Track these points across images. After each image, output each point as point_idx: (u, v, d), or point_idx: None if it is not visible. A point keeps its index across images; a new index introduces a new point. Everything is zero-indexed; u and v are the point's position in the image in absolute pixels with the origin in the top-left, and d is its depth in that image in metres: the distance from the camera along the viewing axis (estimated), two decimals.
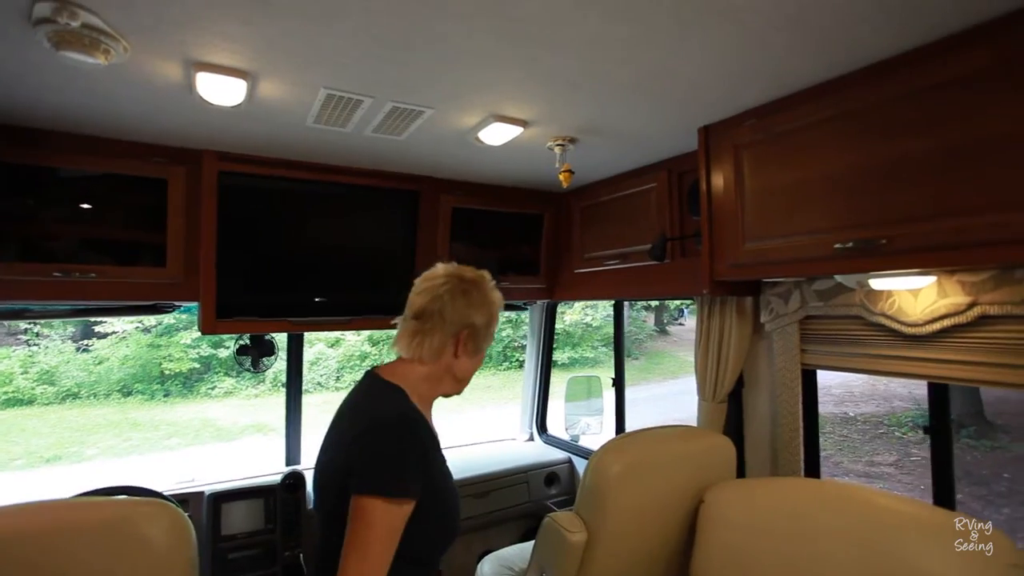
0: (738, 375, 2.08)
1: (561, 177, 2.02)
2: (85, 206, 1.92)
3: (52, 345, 9.94)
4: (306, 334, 2.93)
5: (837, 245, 1.43)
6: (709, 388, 2.11)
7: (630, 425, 2.72)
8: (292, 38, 1.22)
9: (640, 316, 15.04)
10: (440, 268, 1.25)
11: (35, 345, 9.82)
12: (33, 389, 9.32)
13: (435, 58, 1.32)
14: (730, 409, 2.12)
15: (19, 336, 9.89)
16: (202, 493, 2.13)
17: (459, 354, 1.20)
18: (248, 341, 2.45)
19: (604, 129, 1.88)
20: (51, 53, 1.18)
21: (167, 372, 10.28)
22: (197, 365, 10.51)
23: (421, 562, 1.12)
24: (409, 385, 1.17)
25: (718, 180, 1.80)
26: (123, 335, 10.28)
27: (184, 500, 2.07)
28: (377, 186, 2.38)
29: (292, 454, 2.77)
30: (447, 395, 1.26)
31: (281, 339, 2.64)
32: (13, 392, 9.15)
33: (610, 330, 13.44)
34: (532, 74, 1.42)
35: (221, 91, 1.42)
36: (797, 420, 1.87)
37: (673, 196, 2.22)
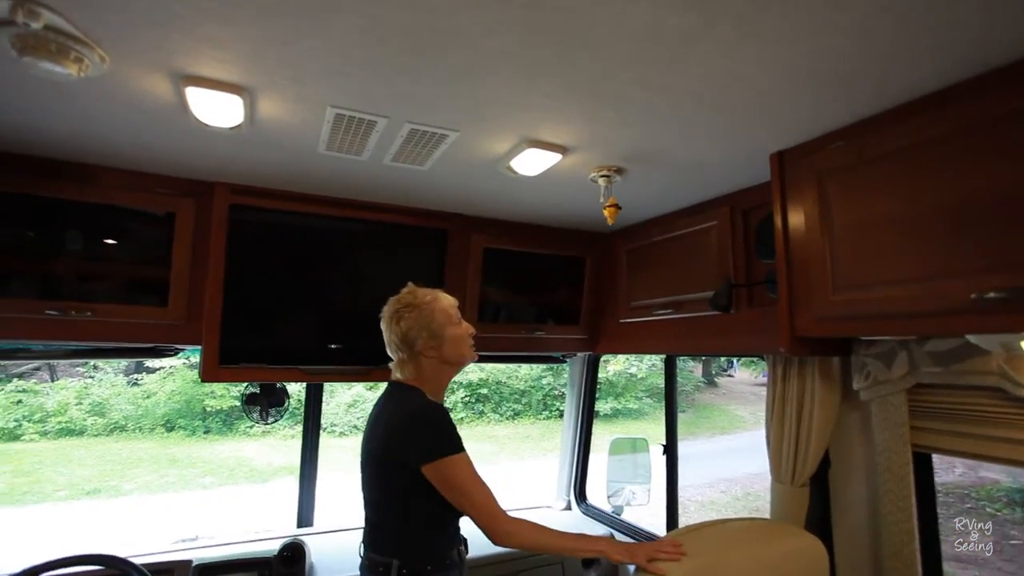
0: (823, 453, 1.68)
1: (606, 213, 1.76)
2: (84, 240, 1.79)
3: (106, 378, 10.28)
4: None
5: (975, 295, 1.08)
6: (786, 468, 1.72)
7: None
8: (283, 43, 1.03)
9: (687, 366, 14.27)
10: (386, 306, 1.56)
11: (90, 377, 10.17)
12: (84, 420, 9.59)
13: (451, 65, 1.10)
14: (813, 495, 1.71)
15: (78, 368, 10.30)
16: (189, 563, 1.87)
17: (431, 355, 1.50)
18: (258, 389, 2.24)
19: (656, 157, 1.62)
20: (25, 66, 1.04)
21: (209, 409, 10.39)
22: (237, 403, 10.58)
23: (446, 529, 1.46)
24: (423, 386, 1.50)
25: (797, 215, 1.49)
26: (171, 370, 10.53)
27: (167, 571, 1.83)
28: (401, 223, 2.18)
29: (304, 514, 2.50)
30: (456, 371, 1.58)
31: (297, 387, 2.43)
32: (67, 422, 9.44)
33: (655, 380, 12.90)
34: (570, 84, 1.18)
35: (216, 110, 1.25)
36: (910, 519, 1.46)
37: (737, 236, 1.90)
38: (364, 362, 2.13)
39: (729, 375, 16.32)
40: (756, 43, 1.02)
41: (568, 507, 3.00)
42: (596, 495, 3.01)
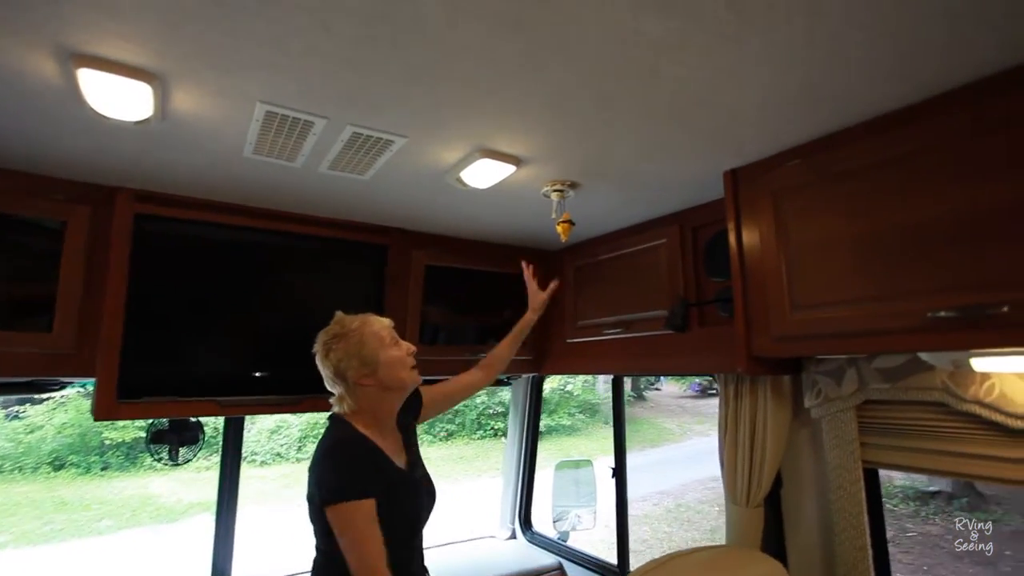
0: (776, 472, 1.68)
1: (560, 229, 1.69)
2: None
3: None
4: None
5: (929, 313, 1.10)
6: (741, 488, 1.70)
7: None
8: (206, 21, 0.87)
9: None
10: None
11: None
12: None
13: (406, 60, 0.99)
14: (767, 516, 1.70)
15: None
16: None
17: (367, 383, 1.38)
18: (166, 425, 1.96)
19: (611, 172, 1.57)
20: None
21: (108, 442, 9.30)
22: (143, 434, 9.56)
23: (403, 542, 1.33)
24: (360, 417, 1.39)
25: (752, 234, 1.49)
26: (61, 400, 9.35)
27: None
28: (336, 238, 2.01)
29: (221, 565, 2.20)
30: (401, 397, 1.46)
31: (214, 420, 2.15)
32: None
33: (587, 396, 13.04)
34: (535, 91, 1.10)
35: (118, 99, 1.06)
36: (863, 534, 1.47)
37: (687, 254, 1.90)
38: (293, 391, 1.92)
39: (656, 389, 16.87)
40: (732, 55, 0.98)
41: (513, 535, 2.87)
42: (540, 519, 2.91)
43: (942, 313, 1.09)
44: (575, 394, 12.75)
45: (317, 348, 1.44)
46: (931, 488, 7.16)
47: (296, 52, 0.95)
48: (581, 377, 12.41)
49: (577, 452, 10.76)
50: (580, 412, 12.92)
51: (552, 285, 2.00)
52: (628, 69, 1.02)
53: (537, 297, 1.97)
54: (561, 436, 12.00)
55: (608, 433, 12.58)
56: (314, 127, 1.24)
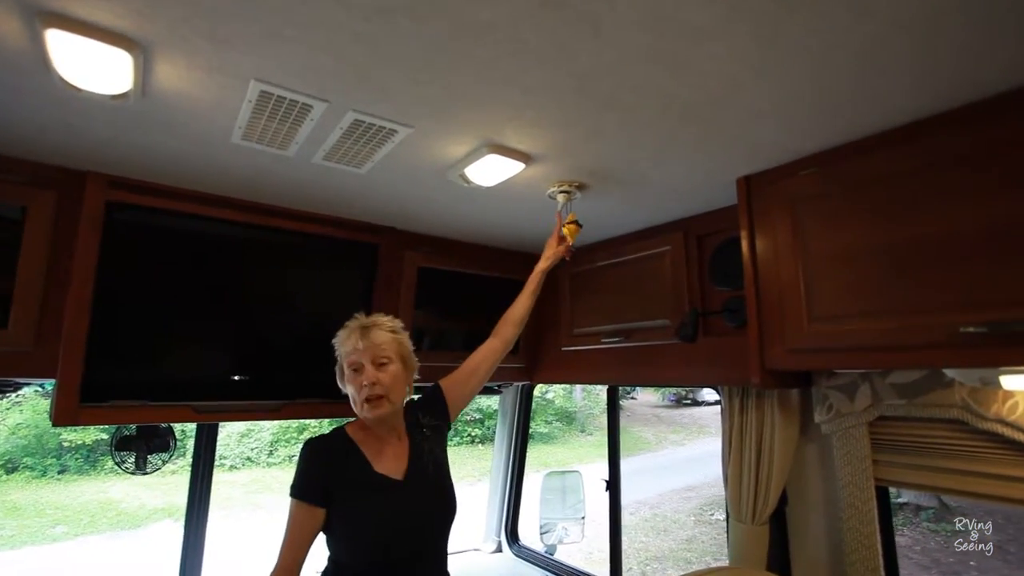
0: (782, 488, 1.62)
1: (566, 231, 1.61)
2: None
3: None
4: None
5: (961, 328, 1.05)
6: (747, 506, 1.64)
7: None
8: None
9: (594, 390, 14.59)
10: None
11: None
12: None
13: (424, 37, 0.90)
14: (772, 534, 1.64)
15: None
16: None
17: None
18: (134, 431, 1.81)
19: (622, 174, 1.50)
20: None
21: (67, 443, 8.86)
22: (105, 435, 9.13)
23: (378, 550, 1.26)
24: (356, 420, 1.41)
25: (767, 243, 1.43)
26: (16, 399, 8.88)
27: None
28: (324, 235, 1.89)
29: None
30: (367, 416, 1.34)
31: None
32: None
33: (564, 404, 12.97)
34: (556, 81, 1.02)
35: (92, 68, 0.94)
36: (876, 556, 1.42)
37: (692, 263, 1.84)
38: (275, 396, 1.79)
39: (632, 398, 16.94)
40: (767, 49, 0.92)
41: (499, 548, 2.77)
42: (526, 531, 2.82)
43: (971, 328, 1.04)
44: (555, 402, 12.69)
45: None
46: (900, 499, 7.29)
47: (302, 22, 0.86)
48: (561, 386, 12.37)
49: (555, 461, 10.69)
50: (557, 420, 12.86)
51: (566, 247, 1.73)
52: (658, 58, 0.95)
53: (551, 247, 1.71)
54: (537, 443, 11.91)
55: (584, 442, 12.61)
56: (312, 111, 1.14)
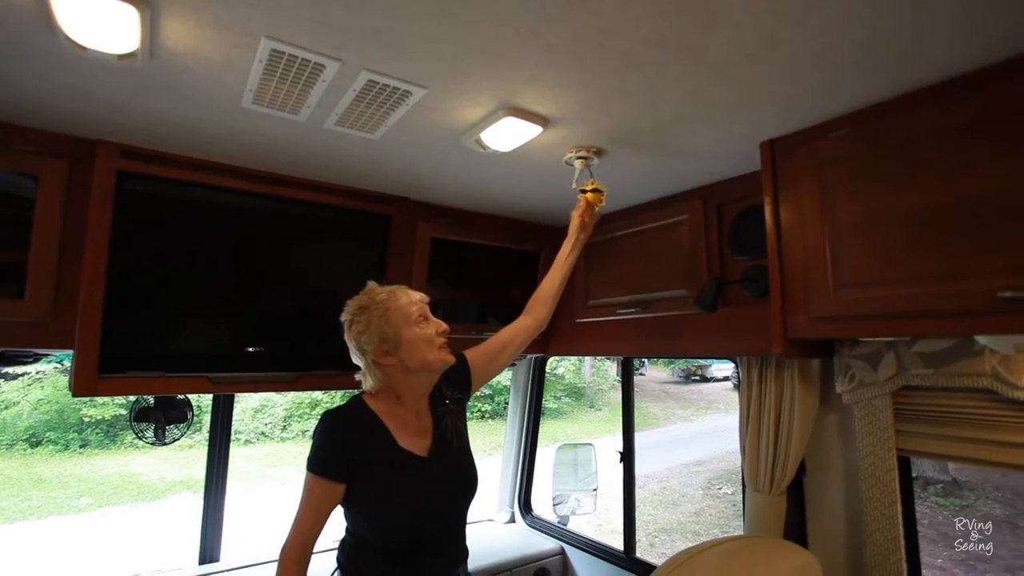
0: (801, 459, 1.61)
1: (590, 198, 1.57)
2: None
3: None
4: None
5: (998, 293, 1.01)
6: (764, 475, 1.63)
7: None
8: None
9: (603, 365, 14.65)
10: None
11: None
12: None
13: None
14: (789, 504, 1.63)
15: None
16: None
17: (388, 363, 1.28)
18: (152, 402, 1.83)
19: (643, 138, 1.45)
20: None
21: (87, 419, 9.07)
22: (124, 411, 9.33)
23: (388, 551, 1.24)
24: (379, 395, 1.32)
25: (792, 208, 1.39)
26: (37, 375, 9.08)
27: None
28: (338, 205, 1.86)
29: (208, 548, 2.10)
30: (429, 378, 1.34)
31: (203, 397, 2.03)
32: None
33: (573, 379, 13.02)
34: (581, 35, 0.97)
35: (98, 25, 0.91)
36: (896, 526, 1.41)
37: (711, 231, 1.80)
38: (290, 367, 1.80)
39: (641, 374, 16.99)
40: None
41: (512, 519, 2.80)
42: (539, 502, 2.85)
43: (1009, 293, 1.00)
44: (564, 377, 12.75)
45: (344, 318, 1.34)
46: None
47: None
48: (572, 360, 12.41)
49: (564, 436, 10.80)
50: (566, 396, 12.94)
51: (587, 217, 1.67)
52: (689, 10, 0.90)
53: (576, 221, 1.65)
54: (547, 419, 12.03)
55: (593, 417, 12.69)
56: (324, 72, 1.10)
